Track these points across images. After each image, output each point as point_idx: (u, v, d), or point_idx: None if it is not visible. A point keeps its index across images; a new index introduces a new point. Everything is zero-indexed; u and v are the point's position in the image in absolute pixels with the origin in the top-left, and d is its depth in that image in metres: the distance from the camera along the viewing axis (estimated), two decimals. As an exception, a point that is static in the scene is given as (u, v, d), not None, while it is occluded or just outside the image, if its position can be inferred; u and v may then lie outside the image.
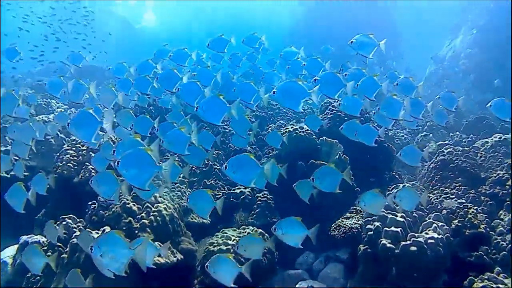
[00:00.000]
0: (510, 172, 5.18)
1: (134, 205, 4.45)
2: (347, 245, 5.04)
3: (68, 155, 5.19)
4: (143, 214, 4.40)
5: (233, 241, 4.21)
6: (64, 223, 4.56)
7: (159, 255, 4.26)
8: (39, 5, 18.00)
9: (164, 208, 4.47)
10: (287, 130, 5.61)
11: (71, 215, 4.63)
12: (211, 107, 4.01)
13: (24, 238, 4.80)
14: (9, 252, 5.01)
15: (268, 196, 5.23)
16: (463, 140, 7.15)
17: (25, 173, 5.67)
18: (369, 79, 4.59)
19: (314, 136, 5.55)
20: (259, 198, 5.21)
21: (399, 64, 13.82)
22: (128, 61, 5.87)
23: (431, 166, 5.67)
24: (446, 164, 5.53)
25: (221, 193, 5.29)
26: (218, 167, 5.58)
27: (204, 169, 5.57)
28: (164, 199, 4.59)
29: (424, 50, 15.04)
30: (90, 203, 4.70)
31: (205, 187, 5.44)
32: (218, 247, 4.14)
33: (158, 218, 4.39)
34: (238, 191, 5.29)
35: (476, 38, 11.87)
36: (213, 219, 5.10)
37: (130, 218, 4.36)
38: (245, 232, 4.38)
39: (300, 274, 5.02)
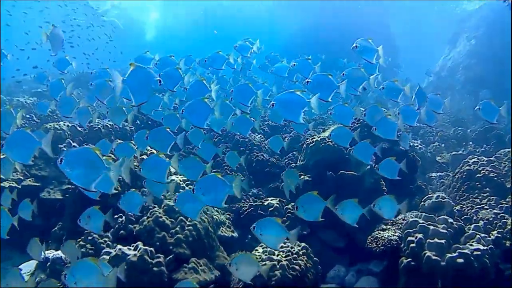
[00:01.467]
0: None
1: (166, 218, 4.20)
2: (381, 258, 4.92)
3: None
4: (177, 228, 4.15)
5: (277, 256, 4.00)
6: (90, 237, 4.27)
7: (197, 272, 4.04)
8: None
9: (199, 221, 4.24)
10: (314, 139, 5.47)
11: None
12: (196, 109, 4.01)
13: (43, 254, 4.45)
14: (26, 268, 4.65)
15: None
16: (477, 150, 7.19)
17: (36, 183, 5.35)
18: (391, 84, 4.60)
19: (342, 146, 5.43)
20: (289, 210, 5.02)
21: (397, 74, 13.99)
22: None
23: (456, 177, 5.63)
24: (472, 174, 5.49)
25: (247, 206, 5.08)
26: (243, 178, 5.38)
27: (228, 180, 5.35)
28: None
29: (421, 63, 15.29)
30: (116, 216, 4.42)
31: (228, 198, 5.20)
32: (263, 263, 3.92)
33: (193, 232, 4.16)
34: (266, 203, 5.09)
35: (474, 48, 12.12)
36: (240, 232, 4.94)
37: (164, 233, 4.11)
38: (286, 245, 4.18)
39: (334, 288, 4.84)
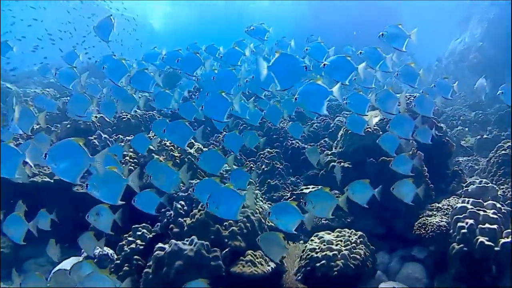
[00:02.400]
0: None
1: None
2: (423, 244, 4.91)
3: (128, 157, 4.70)
4: (230, 221, 4.04)
5: (336, 245, 3.94)
6: (138, 232, 4.14)
7: (255, 265, 3.96)
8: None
9: (252, 212, 4.14)
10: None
11: (144, 224, 4.21)
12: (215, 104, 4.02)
13: (88, 250, 4.30)
14: (67, 265, 4.49)
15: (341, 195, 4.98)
16: (502, 134, 7.21)
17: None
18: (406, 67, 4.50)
19: (381, 132, 5.35)
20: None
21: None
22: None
23: (491, 161, 5.62)
24: (508, 158, 5.49)
25: (289, 194, 4.99)
26: (281, 167, 5.27)
27: (266, 169, 5.25)
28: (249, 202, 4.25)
29: (432, 49, 15.12)
30: (164, 210, 4.29)
31: (269, 188, 5.12)
32: (323, 253, 3.85)
33: (247, 224, 4.06)
34: (307, 191, 5.01)
35: (486, 31, 12.05)
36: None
37: (217, 226, 4.00)
38: (343, 234, 4.12)
39: (380, 275, 4.82)
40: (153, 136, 4.68)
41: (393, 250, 5.12)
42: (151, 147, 4.62)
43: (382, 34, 4.37)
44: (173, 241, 3.81)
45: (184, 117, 4.34)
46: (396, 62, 4.79)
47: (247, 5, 28.12)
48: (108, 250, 4.27)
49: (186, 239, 3.86)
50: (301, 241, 4.84)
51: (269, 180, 5.14)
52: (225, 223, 4.02)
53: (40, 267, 5.25)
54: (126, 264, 3.98)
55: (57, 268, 4.57)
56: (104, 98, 5.15)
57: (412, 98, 5.65)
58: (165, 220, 4.21)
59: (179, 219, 4.12)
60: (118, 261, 4.05)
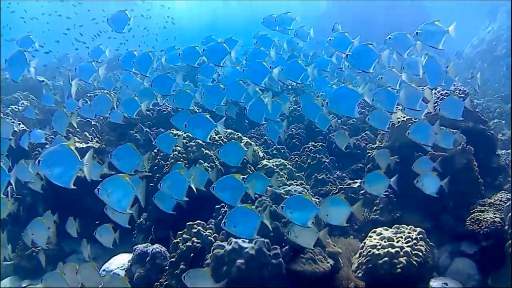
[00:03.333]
0: None
1: (276, 207, 4.00)
2: (471, 239, 4.84)
3: (176, 152, 4.60)
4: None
5: (397, 242, 3.86)
6: (194, 230, 4.07)
7: (315, 262, 3.89)
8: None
9: (309, 209, 4.05)
10: (400, 120, 5.24)
11: (199, 221, 4.13)
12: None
13: (140, 247, 4.24)
14: (118, 262, 4.45)
15: (389, 191, 4.90)
16: (541, 125, 7.10)
17: (112, 172, 5.08)
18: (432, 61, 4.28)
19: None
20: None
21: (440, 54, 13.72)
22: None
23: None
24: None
25: (337, 189, 4.91)
26: (327, 161, 5.18)
27: (312, 163, 5.16)
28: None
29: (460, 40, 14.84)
30: (218, 206, 4.22)
31: (316, 182, 5.04)
32: (385, 250, 3.78)
33: (305, 220, 3.97)
34: (355, 185, 4.93)
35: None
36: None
37: (276, 222, 3.92)
38: (401, 231, 4.04)
39: (430, 271, 4.76)
40: (176, 134, 4.60)
41: (440, 245, 5.07)
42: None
43: (417, 33, 4.15)
44: (233, 239, 3.73)
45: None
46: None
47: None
48: (161, 248, 4.20)
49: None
50: (351, 237, 4.78)
51: (315, 175, 5.05)
52: (283, 220, 3.95)
53: (83, 262, 5.22)
54: (182, 262, 3.91)
55: (106, 265, 4.54)
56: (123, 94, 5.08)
57: (438, 94, 5.54)
58: (220, 217, 4.13)
59: (235, 215, 4.03)
60: (173, 259, 3.98)
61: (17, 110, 6.97)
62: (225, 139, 4.73)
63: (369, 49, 3.95)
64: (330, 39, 4.61)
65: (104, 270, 4.41)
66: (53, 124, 4.57)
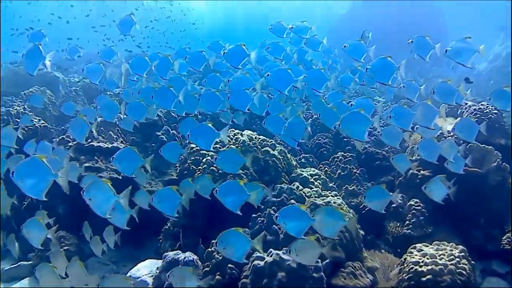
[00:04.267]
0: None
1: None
2: (502, 258, 4.77)
3: (209, 157, 4.45)
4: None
5: (440, 259, 3.76)
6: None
7: (355, 277, 3.77)
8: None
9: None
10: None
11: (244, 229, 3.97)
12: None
13: (170, 255, 4.07)
14: (145, 269, 4.28)
15: (422, 205, 4.81)
16: None
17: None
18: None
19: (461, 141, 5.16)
20: (414, 207, 4.77)
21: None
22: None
23: None
24: None
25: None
26: (358, 171, 5.07)
27: (342, 173, 5.05)
28: (343, 208, 4.06)
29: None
30: (255, 215, 4.07)
31: (346, 193, 4.93)
32: (428, 267, 3.67)
33: (346, 234, 3.86)
34: (387, 199, 4.82)
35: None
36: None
37: (316, 235, 3.79)
38: (443, 248, 3.93)
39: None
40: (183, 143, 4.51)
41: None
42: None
43: (446, 51, 4.14)
44: (273, 250, 3.60)
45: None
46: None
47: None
48: (193, 256, 4.05)
49: (283, 248, 3.66)
50: (382, 251, 4.66)
51: (346, 185, 4.93)
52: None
53: (103, 265, 5.05)
54: (218, 273, 3.76)
55: (132, 271, 4.37)
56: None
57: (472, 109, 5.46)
58: (257, 226, 4.00)
59: (273, 226, 3.91)
60: (207, 268, 3.83)
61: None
62: (258, 145, 4.59)
63: (389, 62, 4.06)
64: (345, 46, 4.57)
65: (130, 276, 4.24)
66: (70, 131, 4.36)
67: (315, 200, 3.97)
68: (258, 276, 3.51)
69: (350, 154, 5.26)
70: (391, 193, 3.68)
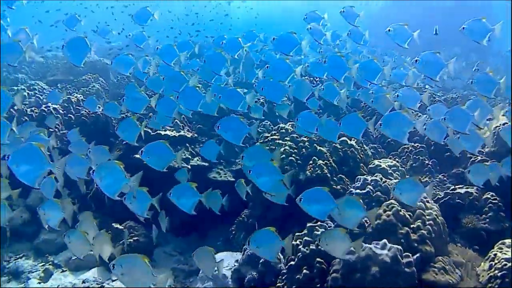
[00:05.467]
0: None
1: (405, 211, 3.80)
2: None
3: (287, 147, 4.37)
4: (418, 223, 3.76)
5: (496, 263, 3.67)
6: (316, 232, 3.85)
7: (446, 272, 3.69)
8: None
9: (436, 215, 3.85)
10: (497, 125, 4.99)
11: (320, 223, 3.91)
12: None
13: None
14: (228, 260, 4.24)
15: (498, 199, 4.69)
16: None
17: (204, 163, 4.87)
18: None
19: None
20: (490, 200, 4.65)
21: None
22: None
23: None
24: None
25: (442, 194, 4.69)
26: (430, 163, 4.95)
27: (414, 164, 4.94)
28: (429, 201, 3.96)
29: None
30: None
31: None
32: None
33: (434, 227, 3.78)
34: (462, 191, 4.71)
35: None
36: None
37: (406, 229, 3.72)
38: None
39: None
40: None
41: None
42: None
43: (463, 28, 4.15)
44: (366, 244, 3.53)
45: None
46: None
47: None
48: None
49: (374, 242, 3.59)
50: (458, 245, 4.56)
51: (419, 177, 4.83)
52: (412, 226, 3.74)
53: (170, 256, 5.05)
54: (305, 267, 3.71)
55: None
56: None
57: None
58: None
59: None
60: (292, 262, 3.78)
61: (88, 92, 6.77)
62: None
63: (437, 58, 4.08)
64: (389, 30, 4.51)
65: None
66: (119, 132, 4.15)
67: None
68: (350, 270, 3.46)
69: (420, 145, 5.13)
70: (426, 187, 3.52)
